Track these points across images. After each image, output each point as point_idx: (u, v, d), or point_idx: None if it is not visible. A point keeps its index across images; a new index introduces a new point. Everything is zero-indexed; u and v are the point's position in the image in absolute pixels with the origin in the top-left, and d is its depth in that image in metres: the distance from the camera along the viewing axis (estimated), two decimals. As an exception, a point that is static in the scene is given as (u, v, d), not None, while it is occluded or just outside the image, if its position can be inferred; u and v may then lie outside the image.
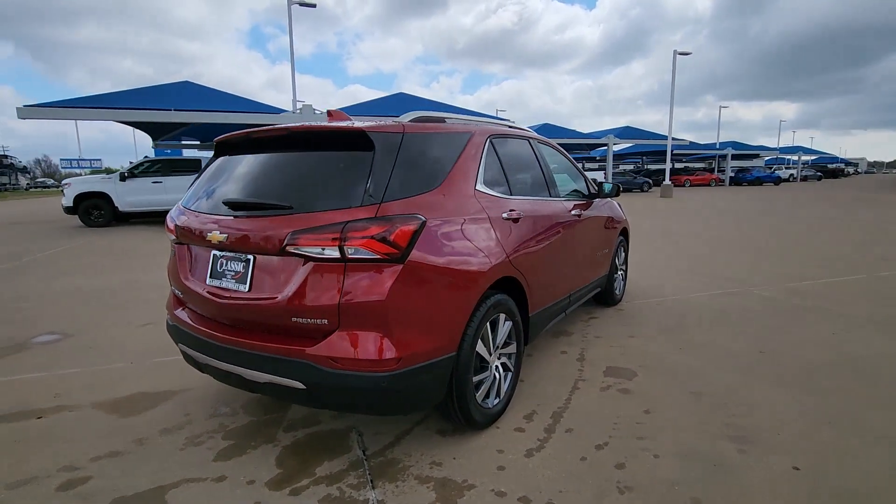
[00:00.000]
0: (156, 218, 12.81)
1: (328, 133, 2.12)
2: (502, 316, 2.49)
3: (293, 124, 2.16)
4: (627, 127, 31.53)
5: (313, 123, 2.16)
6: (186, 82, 15.05)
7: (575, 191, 4.02)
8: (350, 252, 1.84)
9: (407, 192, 2.03)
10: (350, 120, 2.47)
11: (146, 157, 15.85)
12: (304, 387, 1.93)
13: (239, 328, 2.13)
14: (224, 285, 2.15)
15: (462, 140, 2.51)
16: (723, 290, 5.22)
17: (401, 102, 16.21)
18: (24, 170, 72.47)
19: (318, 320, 1.89)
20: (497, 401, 2.54)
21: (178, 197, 3.57)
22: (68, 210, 12.33)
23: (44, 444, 2.42)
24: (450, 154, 2.38)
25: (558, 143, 4.08)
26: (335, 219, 1.87)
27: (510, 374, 2.66)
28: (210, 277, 2.21)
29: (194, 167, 12.70)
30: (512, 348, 2.65)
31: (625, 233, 4.80)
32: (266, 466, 2.20)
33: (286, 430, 2.51)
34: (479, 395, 2.37)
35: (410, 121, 2.43)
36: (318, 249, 1.86)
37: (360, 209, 1.88)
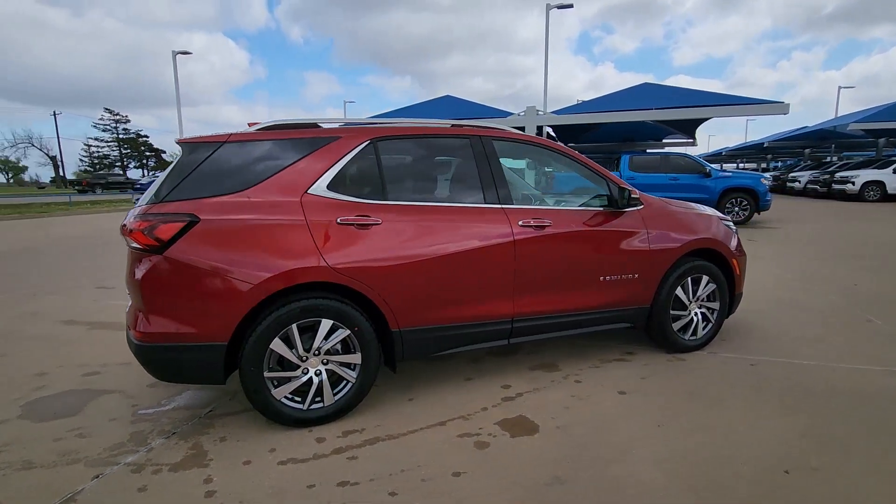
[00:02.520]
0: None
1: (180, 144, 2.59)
2: (326, 322, 2.45)
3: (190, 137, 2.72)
4: None
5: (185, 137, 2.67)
6: (447, 96, 17.57)
7: (597, 196, 3.25)
8: (130, 242, 2.30)
9: (196, 194, 2.33)
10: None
11: None
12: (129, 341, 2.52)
13: None
14: None
15: (311, 144, 2.56)
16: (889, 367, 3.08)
17: (644, 93, 14.59)
18: None
19: (128, 293, 2.45)
20: (321, 405, 2.52)
21: None
22: None
23: (108, 346, 3.74)
24: (281, 159, 2.49)
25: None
26: (132, 214, 2.36)
27: (350, 384, 2.56)
28: None
29: None
30: (353, 358, 2.55)
31: (710, 255, 3.44)
32: (158, 399, 2.87)
33: (205, 381, 3.16)
34: (281, 391, 2.44)
35: (260, 128, 2.64)
36: (127, 239, 2.39)
37: (145, 207, 2.31)
